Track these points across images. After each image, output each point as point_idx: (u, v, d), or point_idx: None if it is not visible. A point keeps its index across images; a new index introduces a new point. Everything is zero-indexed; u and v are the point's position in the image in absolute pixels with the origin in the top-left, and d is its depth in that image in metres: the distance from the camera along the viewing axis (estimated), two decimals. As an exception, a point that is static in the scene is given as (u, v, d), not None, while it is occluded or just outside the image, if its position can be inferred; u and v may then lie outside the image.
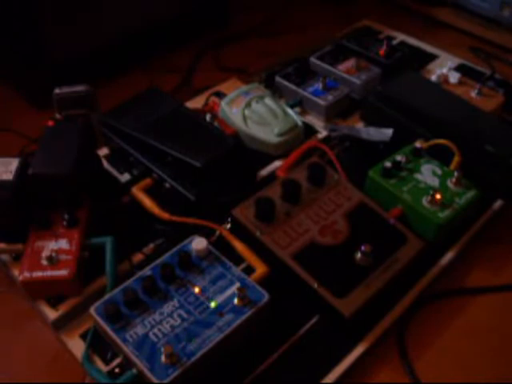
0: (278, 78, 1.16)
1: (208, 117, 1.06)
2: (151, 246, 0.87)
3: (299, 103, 1.12)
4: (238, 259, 0.82)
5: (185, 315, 0.72)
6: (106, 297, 0.73)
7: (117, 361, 0.73)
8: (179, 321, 0.71)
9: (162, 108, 0.99)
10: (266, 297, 0.74)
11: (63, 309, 0.77)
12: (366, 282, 0.77)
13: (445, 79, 1.18)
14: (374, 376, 0.75)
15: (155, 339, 0.69)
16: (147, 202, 0.89)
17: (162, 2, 1.32)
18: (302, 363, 0.74)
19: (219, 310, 0.72)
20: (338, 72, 1.17)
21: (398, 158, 0.92)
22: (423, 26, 1.50)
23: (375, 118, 1.08)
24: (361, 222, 0.85)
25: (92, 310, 0.72)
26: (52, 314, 0.77)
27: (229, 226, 0.87)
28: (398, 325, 0.80)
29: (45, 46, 1.15)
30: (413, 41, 1.38)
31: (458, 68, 1.25)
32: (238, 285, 0.74)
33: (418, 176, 0.91)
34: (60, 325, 0.77)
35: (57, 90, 0.93)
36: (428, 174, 0.91)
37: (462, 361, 0.77)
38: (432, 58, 1.32)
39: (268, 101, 1.06)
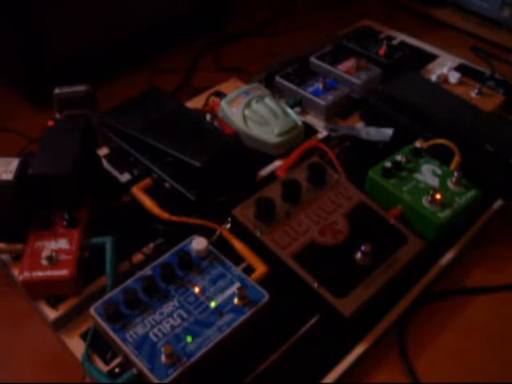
0: (277, 78, 1.16)
1: (208, 117, 1.06)
2: (151, 245, 0.87)
3: (299, 103, 1.12)
4: (238, 259, 0.82)
5: (185, 315, 0.72)
6: (106, 297, 0.73)
7: (117, 361, 0.73)
8: (179, 321, 0.71)
9: (162, 108, 0.99)
10: (266, 297, 0.74)
11: (63, 309, 0.77)
12: (366, 281, 0.77)
13: (445, 79, 1.18)
14: (373, 376, 0.75)
15: (155, 339, 0.69)
16: (147, 202, 0.89)
17: (162, 2, 1.32)
18: (302, 363, 0.74)
19: (219, 310, 0.72)
20: (338, 72, 1.17)
21: (398, 158, 0.92)
22: (423, 26, 1.50)
23: (375, 118, 1.08)
24: (361, 222, 0.85)
25: (92, 310, 0.72)
26: (52, 314, 0.77)
27: (229, 225, 0.87)
28: (398, 325, 0.80)
29: (45, 45, 1.15)
30: (413, 41, 1.38)
31: (458, 68, 1.25)
32: (237, 285, 0.74)
33: (418, 176, 0.91)
34: (60, 325, 0.77)
35: (57, 90, 0.93)
36: (428, 174, 0.91)
37: (462, 361, 0.77)
38: (432, 57, 1.32)
39: (268, 101, 1.06)
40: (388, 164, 0.91)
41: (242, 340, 0.73)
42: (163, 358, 0.66)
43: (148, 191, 0.91)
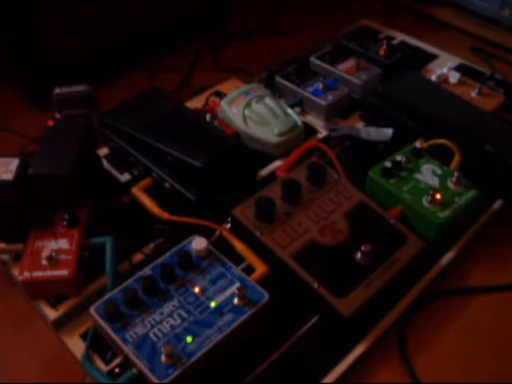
0: (277, 78, 1.16)
1: (208, 117, 1.06)
2: (151, 245, 0.87)
3: (299, 103, 1.12)
4: (238, 259, 0.82)
5: (185, 315, 0.72)
6: (106, 297, 0.73)
7: (117, 361, 0.73)
8: (179, 321, 0.71)
9: (162, 108, 0.99)
10: (266, 297, 0.74)
11: (63, 309, 0.77)
12: (365, 281, 0.77)
13: (445, 79, 1.18)
14: (373, 376, 0.75)
15: (155, 339, 0.69)
16: (147, 202, 0.89)
17: (162, 2, 1.32)
18: (302, 363, 0.74)
19: (219, 310, 0.72)
20: (338, 72, 1.17)
21: (398, 158, 0.92)
22: (423, 26, 1.50)
23: (375, 117, 1.08)
24: (361, 222, 0.85)
25: (92, 310, 0.72)
26: (52, 314, 0.77)
27: (229, 225, 0.87)
28: (398, 325, 0.80)
29: (45, 45, 1.15)
30: (413, 41, 1.38)
31: (458, 68, 1.25)
32: (237, 285, 0.74)
33: (418, 176, 0.91)
34: (60, 325, 0.77)
35: (57, 90, 0.94)
36: (428, 173, 0.91)
37: (462, 361, 0.77)
38: (432, 57, 1.32)
39: (268, 101, 1.06)
40: (388, 164, 0.91)
41: (241, 340, 0.73)
42: (163, 358, 0.66)
43: (148, 191, 0.91)
